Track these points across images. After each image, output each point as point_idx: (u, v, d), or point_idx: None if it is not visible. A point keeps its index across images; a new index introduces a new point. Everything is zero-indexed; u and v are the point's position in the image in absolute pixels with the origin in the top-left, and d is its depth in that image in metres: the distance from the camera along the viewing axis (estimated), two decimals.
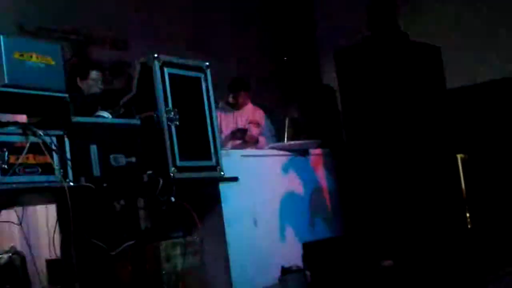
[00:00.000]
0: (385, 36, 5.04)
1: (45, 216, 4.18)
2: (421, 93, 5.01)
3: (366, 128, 5.03)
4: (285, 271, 4.40)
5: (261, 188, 4.62)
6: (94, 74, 5.02)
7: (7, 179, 2.88)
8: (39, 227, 4.36)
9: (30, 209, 4.15)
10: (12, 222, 3.86)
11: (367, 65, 5.03)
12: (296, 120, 5.75)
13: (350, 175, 5.22)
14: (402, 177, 4.80)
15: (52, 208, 4.10)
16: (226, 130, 5.86)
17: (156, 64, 3.58)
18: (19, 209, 3.59)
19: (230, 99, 6.02)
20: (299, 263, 4.61)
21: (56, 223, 3.91)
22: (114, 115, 3.65)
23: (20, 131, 2.99)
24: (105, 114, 3.62)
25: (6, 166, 2.88)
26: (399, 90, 4.91)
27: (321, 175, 5.35)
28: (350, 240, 5.01)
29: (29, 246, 3.96)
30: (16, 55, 2.96)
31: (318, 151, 5.39)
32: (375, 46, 5.05)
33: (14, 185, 2.91)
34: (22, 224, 3.57)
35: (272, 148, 5.24)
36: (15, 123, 3.05)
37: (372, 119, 4.99)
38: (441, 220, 4.85)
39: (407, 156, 4.81)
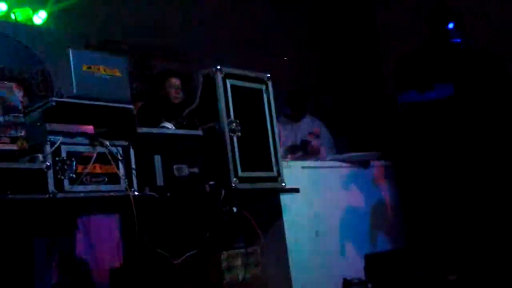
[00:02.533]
0: (444, 45, 4.98)
1: (108, 224, 4.26)
2: (486, 101, 4.90)
3: (429, 138, 4.95)
4: (347, 283, 4.36)
5: (322, 200, 4.59)
6: (172, 80, 4.93)
7: (75, 187, 2.96)
8: (102, 236, 4.44)
9: (94, 217, 4.23)
10: (78, 230, 3.96)
11: (428, 74, 4.96)
12: (357, 131, 5.70)
13: (412, 187, 5.13)
14: (467, 189, 4.70)
15: (115, 217, 4.18)
16: (285, 142, 5.84)
17: (219, 76, 3.61)
18: (84, 217, 3.67)
19: (289, 111, 6.00)
20: (360, 275, 4.55)
21: (120, 232, 4.00)
22: (177, 126, 3.70)
23: (87, 141, 3.07)
24: (169, 125, 3.68)
25: (74, 175, 2.96)
26: (462, 99, 4.83)
27: (382, 187, 5.28)
28: (413, 253, 4.92)
29: (93, 254, 4.03)
30: (84, 68, 3.05)
31: (379, 162, 5.33)
32: (435, 54, 4.99)
33: (81, 194, 2.98)
34: (87, 233, 3.65)
35: (333, 159, 5.20)
36: (83, 134, 3.12)
37: (434, 129, 4.91)
38: (507, 234, 4.72)
39: (472, 167, 4.71)
